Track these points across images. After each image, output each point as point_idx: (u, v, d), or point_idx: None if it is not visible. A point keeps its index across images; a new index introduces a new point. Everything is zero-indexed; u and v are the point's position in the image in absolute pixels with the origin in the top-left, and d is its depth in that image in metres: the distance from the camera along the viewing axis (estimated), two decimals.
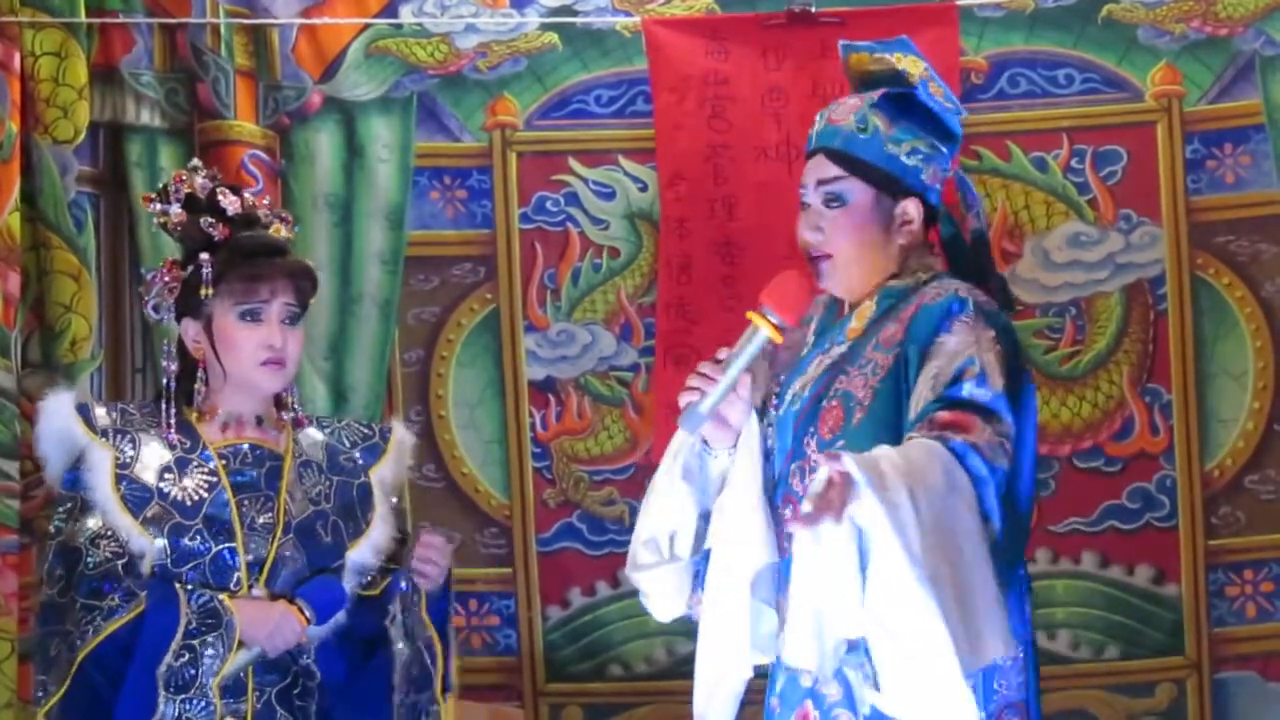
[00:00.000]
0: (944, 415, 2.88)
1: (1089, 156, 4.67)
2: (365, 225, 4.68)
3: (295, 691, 3.21)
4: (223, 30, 4.58)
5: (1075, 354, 4.69)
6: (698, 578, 3.11)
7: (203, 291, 3.21)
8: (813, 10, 4.57)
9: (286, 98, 4.66)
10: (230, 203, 3.27)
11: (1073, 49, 4.67)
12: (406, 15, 4.68)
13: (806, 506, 2.72)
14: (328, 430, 3.38)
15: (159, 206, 3.28)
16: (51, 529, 3.19)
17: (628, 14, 4.68)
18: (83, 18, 4.47)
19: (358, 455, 3.36)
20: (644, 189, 4.69)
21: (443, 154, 4.72)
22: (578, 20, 4.68)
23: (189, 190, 3.27)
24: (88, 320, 4.48)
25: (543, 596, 4.68)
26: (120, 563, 3.12)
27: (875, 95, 3.12)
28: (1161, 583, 4.65)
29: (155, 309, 3.30)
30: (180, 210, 3.26)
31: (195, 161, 3.42)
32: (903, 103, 3.11)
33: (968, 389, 2.90)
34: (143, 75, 4.58)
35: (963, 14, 4.60)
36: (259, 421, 3.29)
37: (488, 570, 4.68)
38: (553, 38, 4.70)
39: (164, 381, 3.24)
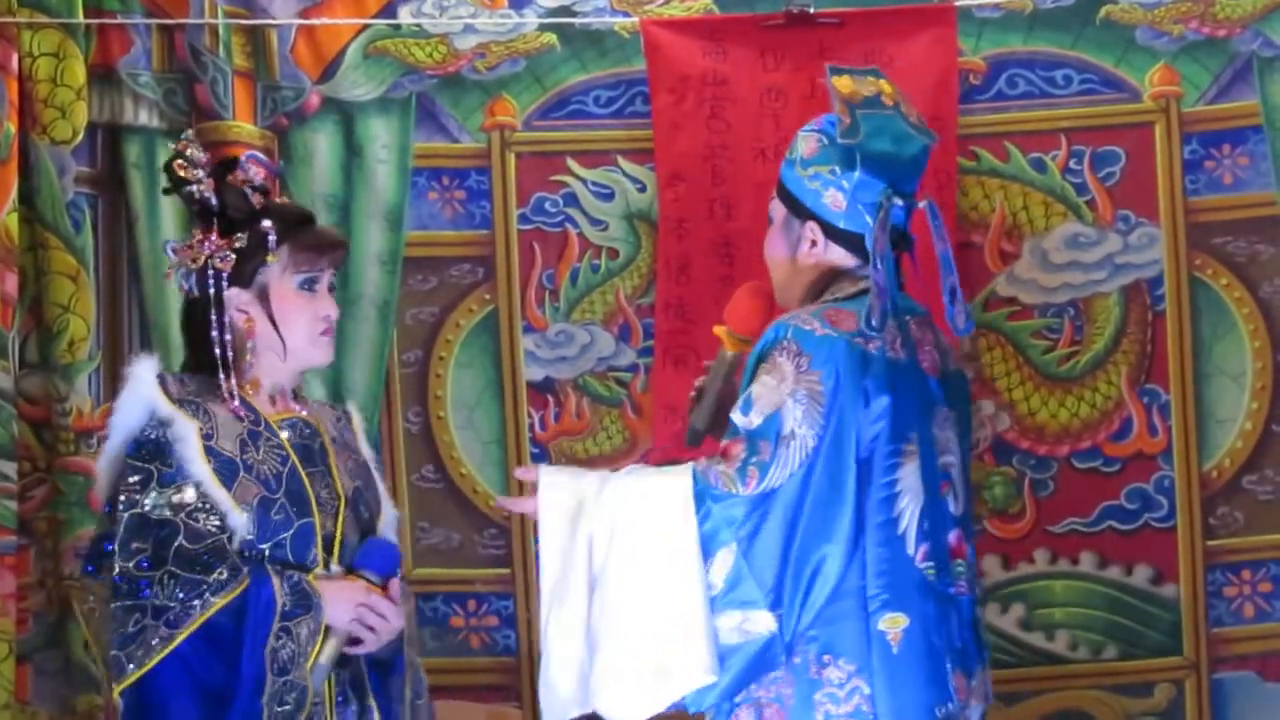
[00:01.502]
0: (723, 444, 3.15)
1: (1087, 157, 4.68)
2: (364, 226, 4.68)
3: (354, 673, 3.20)
4: (221, 31, 4.57)
5: (1073, 354, 4.70)
6: None
7: (269, 258, 3.17)
8: (811, 11, 4.56)
9: (285, 98, 4.66)
10: (258, 173, 3.24)
11: (1071, 50, 4.67)
12: (405, 16, 4.68)
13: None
14: (315, 407, 3.37)
15: (197, 173, 3.20)
16: (123, 500, 3.08)
17: (626, 15, 4.68)
18: (80, 18, 4.47)
19: (344, 432, 3.37)
20: (643, 189, 4.69)
21: (441, 154, 4.71)
22: (576, 21, 4.67)
23: (198, 161, 3.22)
24: (86, 321, 4.47)
25: None
26: (225, 536, 3.07)
27: (820, 118, 3.31)
28: (1160, 583, 4.65)
29: (196, 280, 3.19)
30: (210, 179, 3.21)
31: (188, 133, 3.38)
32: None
33: (737, 416, 3.12)
34: (141, 76, 4.57)
35: (961, 14, 4.60)
36: (294, 395, 3.28)
37: (486, 571, 4.68)
38: (551, 38, 4.69)
39: (218, 353, 3.16)
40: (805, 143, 3.30)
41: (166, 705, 3.02)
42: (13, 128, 4.38)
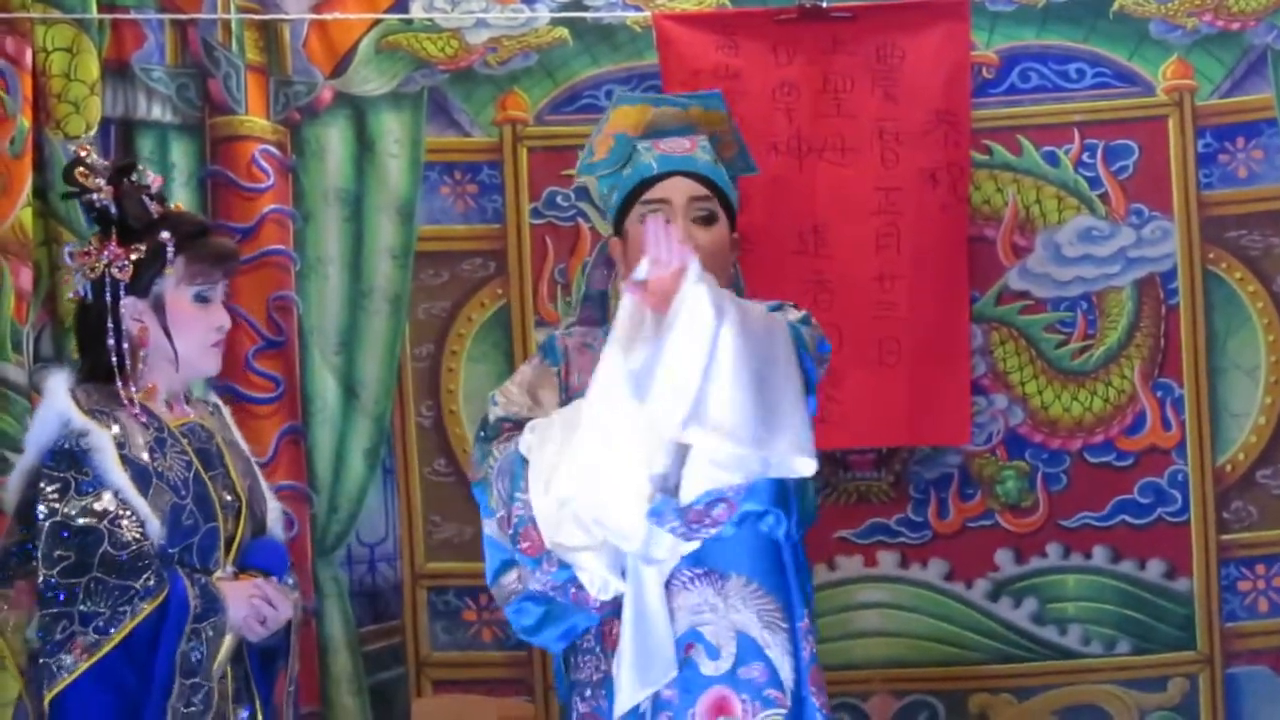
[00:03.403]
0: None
1: (1100, 151, 4.67)
2: (376, 220, 4.68)
3: (246, 671, 3.23)
4: (234, 26, 4.58)
5: (1086, 348, 4.69)
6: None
7: (165, 270, 3.18)
8: (824, 5, 4.56)
9: (297, 93, 4.67)
10: (154, 180, 3.25)
11: (1084, 43, 4.67)
12: (417, 10, 4.68)
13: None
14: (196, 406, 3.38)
15: (99, 181, 3.19)
16: (43, 509, 3.09)
17: (638, 9, 4.68)
18: (94, 13, 4.47)
19: (224, 429, 3.37)
20: None
21: (453, 149, 4.72)
22: (588, 15, 4.68)
23: (98, 168, 3.21)
24: None
25: None
26: (147, 544, 3.09)
27: (704, 138, 3.39)
28: (1173, 577, 4.64)
29: (91, 287, 3.20)
30: (110, 186, 3.20)
31: (86, 136, 3.38)
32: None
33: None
34: (154, 71, 4.58)
35: (974, 8, 4.59)
36: (186, 400, 3.30)
37: None
38: (563, 33, 4.70)
39: (114, 361, 3.17)
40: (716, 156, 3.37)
41: (92, 710, 3.05)
42: (27, 123, 4.38)
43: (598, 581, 3.16)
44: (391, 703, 4.70)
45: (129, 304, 3.19)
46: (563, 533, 3.13)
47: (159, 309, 3.20)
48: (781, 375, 3.03)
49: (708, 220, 3.33)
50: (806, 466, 3.03)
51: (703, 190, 3.34)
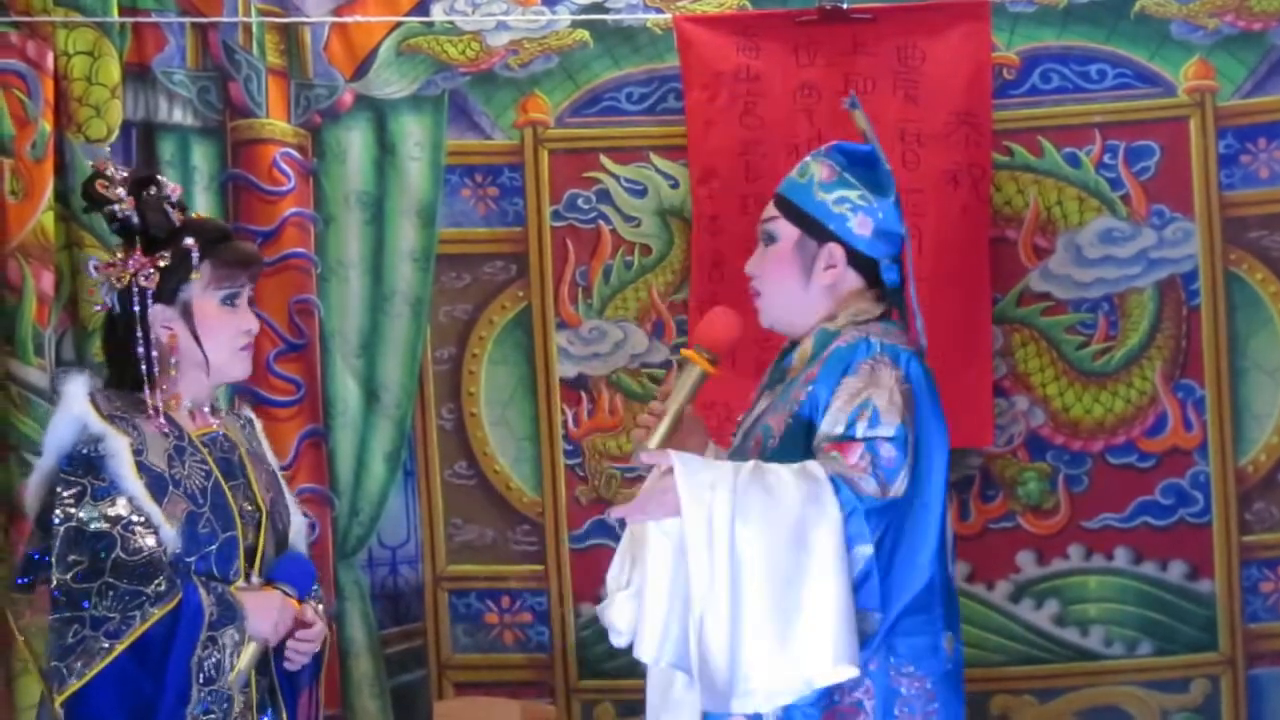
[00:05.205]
0: (829, 446, 3.11)
1: (1121, 152, 4.66)
2: (397, 223, 4.69)
3: (272, 681, 3.25)
4: (255, 29, 4.59)
5: (1108, 349, 4.69)
6: None
7: (192, 275, 3.19)
8: (844, 6, 4.56)
9: (318, 96, 4.67)
10: (174, 190, 3.26)
11: (1105, 44, 4.66)
12: (438, 13, 4.69)
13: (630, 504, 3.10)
14: (224, 417, 3.38)
15: (119, 192, 3.21)
16: (59, 513, 3.11)
17: (659, 11, 4.68)
18: (115, 17, 4.48)
19: (252, 441, 3.39)
20: (675, 186, 4.69)
21: (474, 151, 4.72)
22: (609, 17, 4.68)
23: (118, 179, 3.23)
24: None
25: (575, 593, 4.68)
26: (159, 551, 3.10)
27: (827, 146, 3.33)
28: (1195, 578, 4.64)
29: (118, 297, 3.21)
30: (130, 197, 3.22)
31: (105, 151, 3.39)
32: (855, 156, 3.31)
33: (860, 429, 3.10)
34: (175, 74, 4.59)
35: (995, 9, 4.59)
36: (212, 410, 3.31)
37: (520, 567, 4.69)
38: (584, 35, 4.70)
39: (143, 369, 3.19)
40: (820, 168, 3.31)
41: (104, 715, 3.05)
42: (48, 126, 4.39)
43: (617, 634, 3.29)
44: (413, 705, 4.71)
45: (157, 312, 3.21)
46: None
47: (187, 315, 3.21)
48: (812, 580, 3.00)
49: (767, 241, 3.33)
50: (842, 674, 3.00)
51: (771, 212, 3.34)
